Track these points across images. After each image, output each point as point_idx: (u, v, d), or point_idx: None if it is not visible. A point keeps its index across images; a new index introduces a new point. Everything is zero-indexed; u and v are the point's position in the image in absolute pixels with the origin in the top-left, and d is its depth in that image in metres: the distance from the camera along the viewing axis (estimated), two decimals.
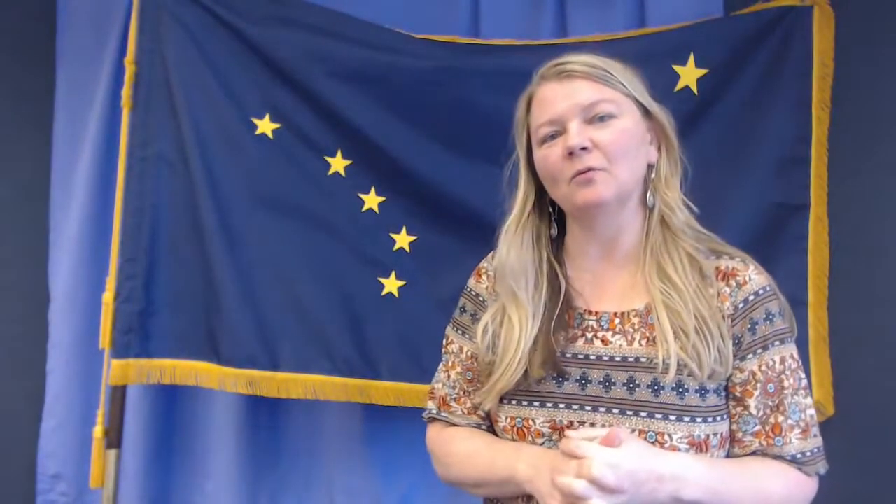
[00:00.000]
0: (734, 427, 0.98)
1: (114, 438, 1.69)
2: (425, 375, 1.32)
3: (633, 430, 0.92)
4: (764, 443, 0.96)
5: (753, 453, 0.97)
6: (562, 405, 0.97)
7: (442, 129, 1.67)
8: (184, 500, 1.86)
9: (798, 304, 1.55)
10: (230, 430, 1.82)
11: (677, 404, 0.93)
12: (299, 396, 1.65)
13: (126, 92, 1.73)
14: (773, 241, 1.57)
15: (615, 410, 0.94)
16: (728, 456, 0.99)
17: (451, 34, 1.75)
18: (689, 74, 1.59)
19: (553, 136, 1.00)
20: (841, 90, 1.58)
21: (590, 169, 0.96)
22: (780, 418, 0.96)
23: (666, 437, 0.91)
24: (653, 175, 1.03)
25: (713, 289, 0.99)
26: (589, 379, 0.97)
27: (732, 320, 0.97)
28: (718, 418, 0.95)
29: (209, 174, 1.69)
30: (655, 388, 0.93)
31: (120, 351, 1.67)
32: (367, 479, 1.79)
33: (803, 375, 1.00)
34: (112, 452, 1.68)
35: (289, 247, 1.69)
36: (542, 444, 0.97)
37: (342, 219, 1.70)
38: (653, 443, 0.91)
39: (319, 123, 1.71)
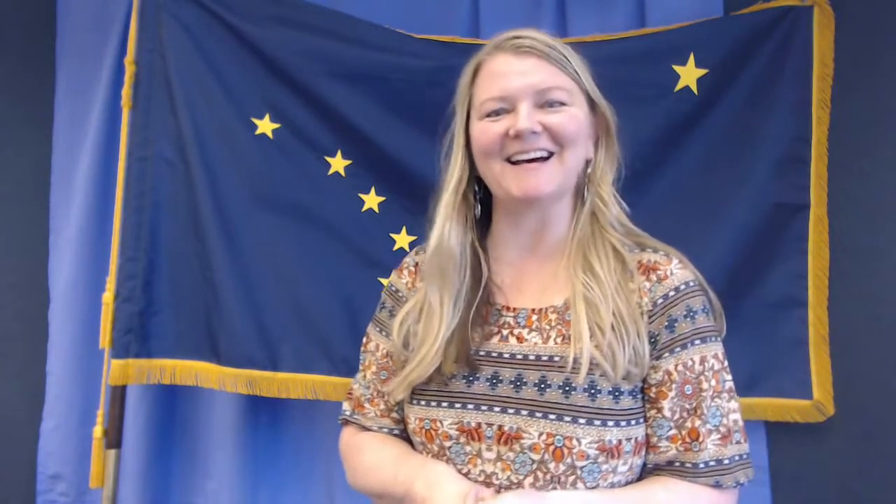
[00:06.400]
0: (649, 431, 0.91)
1: (114, 438, 1.69)
2: None
3: (542, 434, 0.87)
4: (681, 448, 0.90)
5: (670, 462, 0.91)
6: (470, 406, 0.92)
7: (442, 129, 1.67)
8: (184, 500, 1.86)
9: (798, 304, 1.56)
10: (230, 430, 1.81)
11: (588, 406, 0.87)
12: (299, 396, 1.65)
13: (126, 92, 1.73)
14: (773, 241, 1.58)
15: (524, 412, 0.89)
16: (645, 463, 0.93)
17: (451, 34, 1.74)
18: (689, 74, 1.59)
19: (498, 112, 0.95)
20: (841, 90, 1.58)
21: (537, 153, 0.92)
22: (698, 423, 0.89)
23: (574, 442, 0.86)
24: (589, 169, 0.99)
25: (634, 283, 0.94)
26: (500, 378, 0.92)
27: (650, 317, 0.92)
28: (633, 422, 0.89)
29: (209, 174, 1.69)
30: (567, 388, 0.88)
31: (120, 351, 1.67)
32: None
33: (728, 377, 0.93)
34: (112, 452, 1.68)
35: (288, 247, 1.69)
36: (449, 447, 0.92)
37: (342, 219, 1.70)
38: (560, 447, 0.87)
39: (319, 123, 1.71)
